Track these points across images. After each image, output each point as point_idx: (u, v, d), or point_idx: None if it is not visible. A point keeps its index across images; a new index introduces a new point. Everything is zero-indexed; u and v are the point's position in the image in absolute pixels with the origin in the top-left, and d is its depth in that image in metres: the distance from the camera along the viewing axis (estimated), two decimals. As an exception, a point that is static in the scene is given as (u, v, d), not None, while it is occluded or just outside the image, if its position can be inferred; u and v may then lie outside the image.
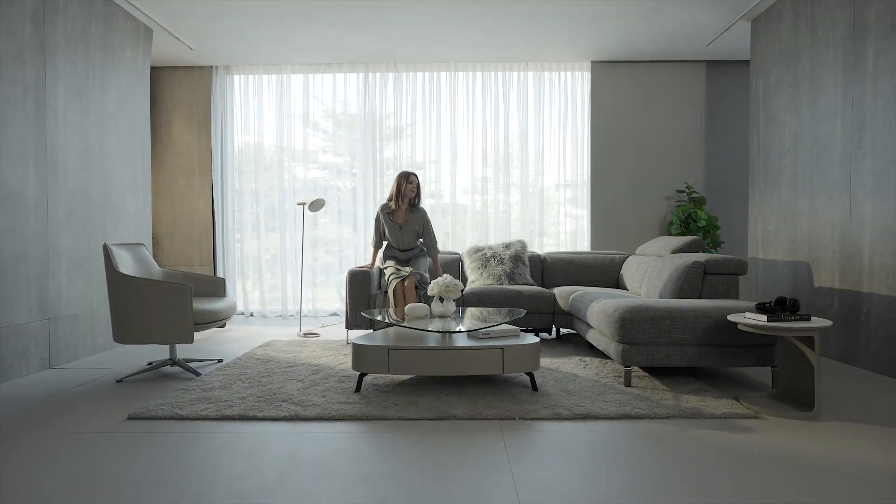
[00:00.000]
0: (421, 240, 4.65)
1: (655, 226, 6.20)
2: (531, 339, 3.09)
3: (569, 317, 4.43)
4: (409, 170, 4.95)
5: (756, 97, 4.95)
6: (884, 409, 2.80)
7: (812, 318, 2.74)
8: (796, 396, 2.81)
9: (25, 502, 1.81)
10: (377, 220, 4.64)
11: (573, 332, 5.14)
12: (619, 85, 6.20)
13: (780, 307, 2.75)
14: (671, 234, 5.86)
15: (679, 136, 6.19)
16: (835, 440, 2.34)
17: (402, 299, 4.21)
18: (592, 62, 6.18)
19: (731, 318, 2.90)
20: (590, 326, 3.76)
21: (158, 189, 6.21)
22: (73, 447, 2.30)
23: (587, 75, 6.24)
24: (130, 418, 2.65)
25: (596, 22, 5.09)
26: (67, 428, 2.54)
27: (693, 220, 5.80)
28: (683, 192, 6.06)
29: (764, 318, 2.69)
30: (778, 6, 4.56)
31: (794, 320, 2.68)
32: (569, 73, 6.29)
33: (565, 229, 6.43)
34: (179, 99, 6.27)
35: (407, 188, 4.50)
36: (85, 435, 2.44)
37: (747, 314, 2.83)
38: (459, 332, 3.19)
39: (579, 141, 6.31)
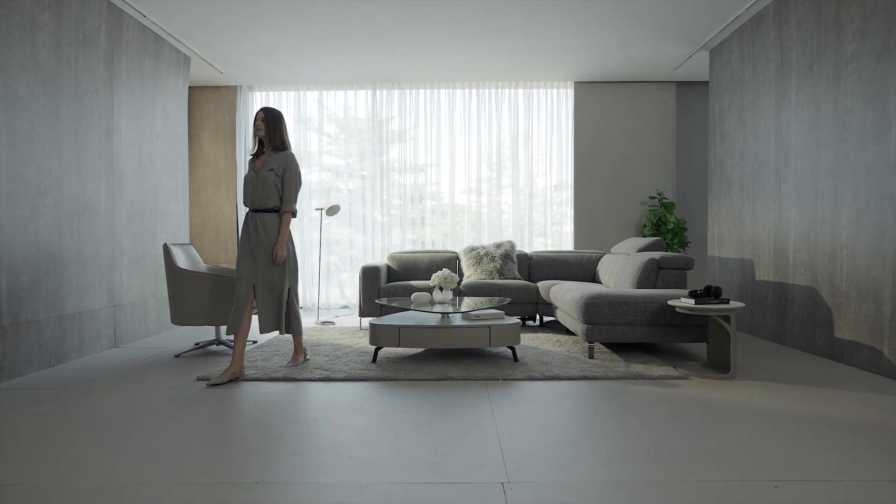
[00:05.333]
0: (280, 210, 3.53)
1: (631, 228, 6.96)
2: (513, 320, 3.85)
3: (550, 306, 5.19)
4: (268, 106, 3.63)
5: (713, 117, 5.71)
6: (788, 373, 3.56)
7: (730, 301, 3.50)
8: (722, 364, 3.57)
9: (154, 424, 2.56)
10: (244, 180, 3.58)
11: (554, 319, 5.90)
12: (599, 102, 6.96)
13: (706, 293, 3.50)
14: (644, 236, 6.62)
15: (652, 148, 6.95)
16: (738, 392, 3.10)
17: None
18: (575, 82, 6.94)
19: (670, 302, 3.66)
20: (564, 312, 4.52)
21: (189, 195, 6.94)
22: (166, 395, 3.06)
23: (571, 92, 7.01)
24: (199, 379, 3.41)
25: (577, 51, 5.85)
26: (154, 385, 3.30)
27: (663, 223, 6.55)
28: (655, 198, 6.82)
29: (692, 301, 3.45)
30: (728, 41, 5.33)
31: (716, 303, 3.44)
32: (554, 91, 7.05)
33: (560, 230, 7.18)
34: (207, 114, 7.03)
35: (254, 130, 3.57)
36: (169, 389, 3.20)
37: (682, 299, 3.59)
38: (456, 313, 3.94)
39: (564, 150, 7.07)
